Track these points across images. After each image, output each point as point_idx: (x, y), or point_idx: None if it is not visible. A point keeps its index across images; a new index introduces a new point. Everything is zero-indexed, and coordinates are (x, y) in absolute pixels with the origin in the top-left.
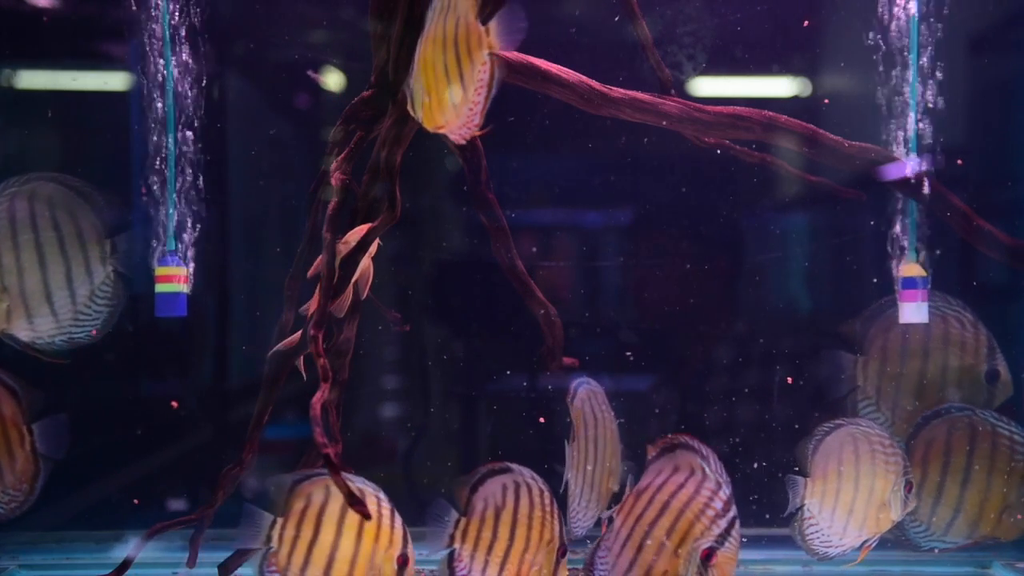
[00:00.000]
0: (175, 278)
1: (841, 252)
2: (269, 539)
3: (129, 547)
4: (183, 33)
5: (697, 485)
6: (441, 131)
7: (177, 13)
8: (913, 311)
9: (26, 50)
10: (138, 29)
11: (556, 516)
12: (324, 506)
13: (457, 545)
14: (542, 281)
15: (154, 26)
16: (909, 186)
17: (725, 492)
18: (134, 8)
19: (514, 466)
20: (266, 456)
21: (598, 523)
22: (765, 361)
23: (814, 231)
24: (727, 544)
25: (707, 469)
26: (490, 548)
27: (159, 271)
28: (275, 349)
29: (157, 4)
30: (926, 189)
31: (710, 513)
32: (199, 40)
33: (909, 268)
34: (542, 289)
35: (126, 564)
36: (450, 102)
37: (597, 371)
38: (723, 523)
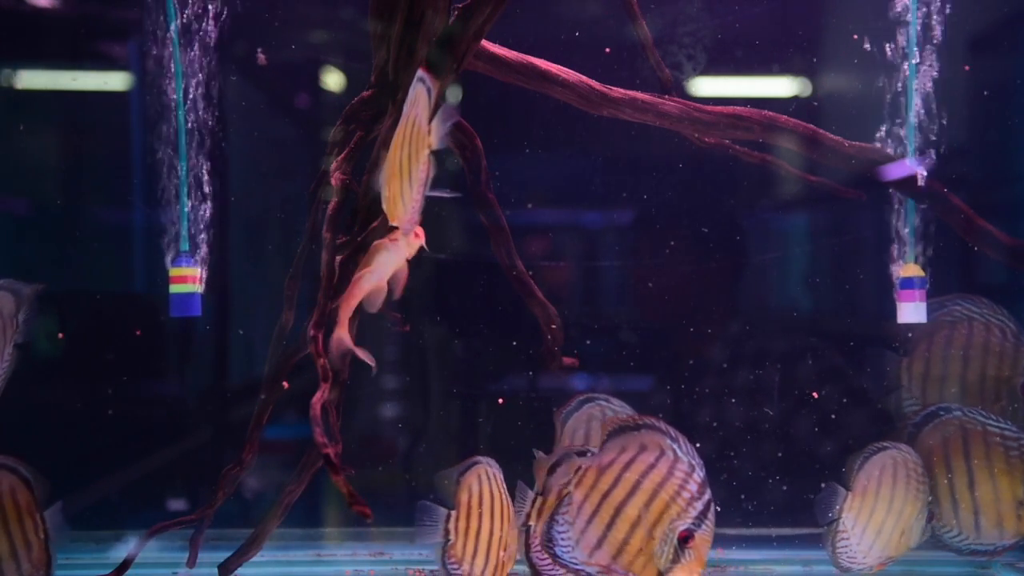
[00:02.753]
0: (189, 279)
1: (841, 252)
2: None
3: (129, 547)
4: (192, 34)
5: (669, 466)
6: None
7: (185, 15)
8: (911, 311)
9: (26, 50)
10: (144, 30)
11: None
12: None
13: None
14: (542, 281)
15: (163, 27)
16: (909, 186)
17: (699, 475)
18: (140, 9)
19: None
20: (266, 456)
21: None
22: (761, 360)
23: (814, 231)
24: (704, 526)
25: (678, 451)
26: (477, 536)
27: (173, 272)
28: (275, 349)
29: (164, 5)
30: (926, 189)
31: (685, 495)
32: (208, 41)
33: (907, 268)
34: (542, 289)
35: (126, 564)
36: (405, 198)
37: (599, 371)
38: (699, 505)
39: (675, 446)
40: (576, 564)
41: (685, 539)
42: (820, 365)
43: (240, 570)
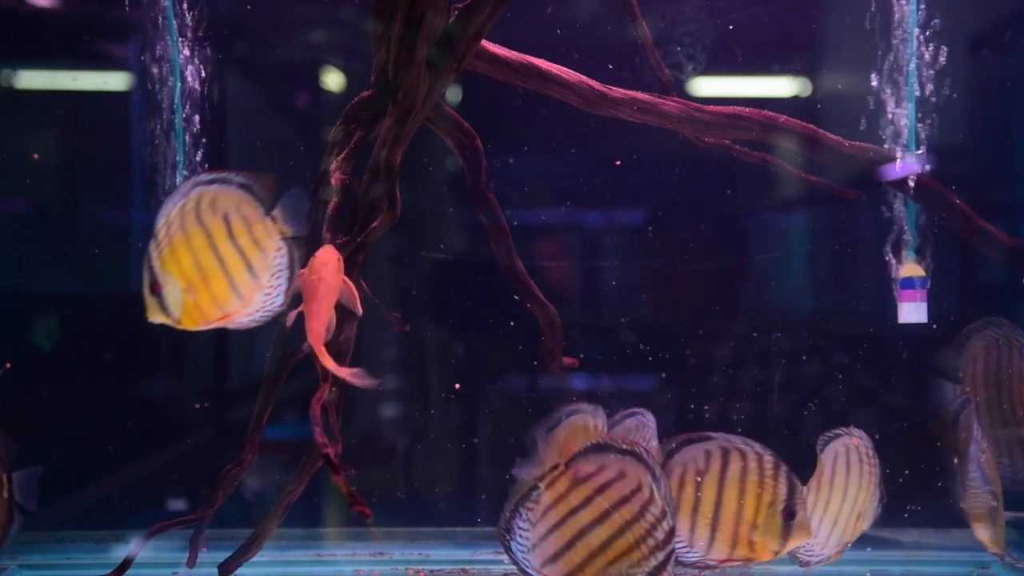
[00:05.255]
0: None
1: (840, 252)
2: None
3: (129, 547)
4: (190, 34)
5: (643, 505)
6: (214, 324)
7: (183, 14)
8: (912, 311)
9: (26, 50)
10: (143, 29)
11: (781, 479)
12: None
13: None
14: (541, 281)
15: (161, 26)
16: (908, 186)
17: (668, 523)
18: (140, 8)
19: (718, 434)
20: (266, 456)
21: None
22: (765, 360)
23: (814, 231)
24: None
25: (655, 491)
26: (695, 509)
27: None
28: (275, 349)
29: (163, 4)
30: (926, 189)
31: (651, 542)
32: (206, 40)
33: (908, 268)
34: (542, 289)
35: (126, 564)
36: (231, 294)
37: (599, 371)
38: (661, 556)
39: (654, 485)
40: (527, 567)
41: None
42: (828, 365)
43: (240, 570)
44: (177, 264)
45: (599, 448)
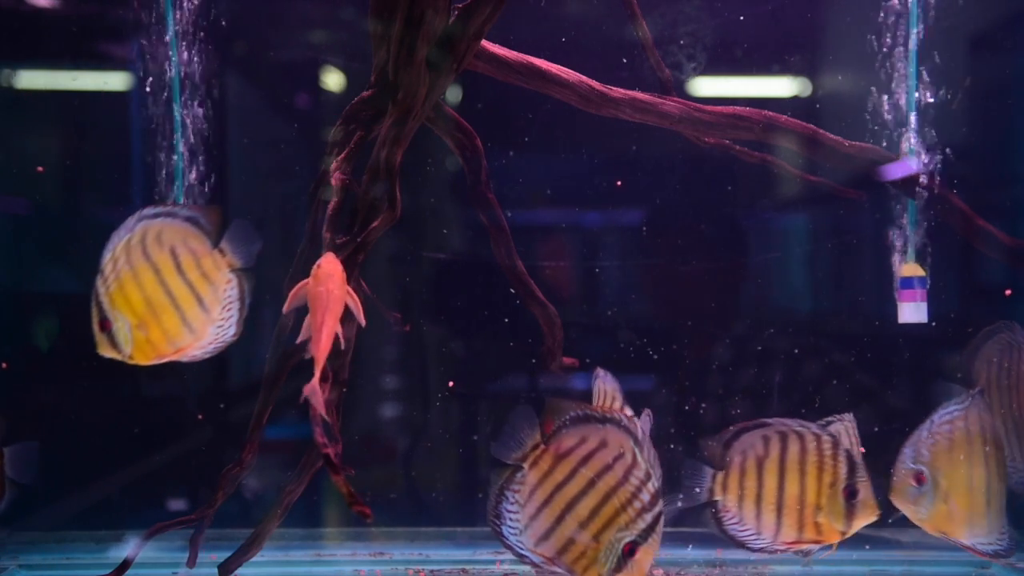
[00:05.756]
0: None
1: (840, 252)
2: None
3: (129, 547)
4: (190, 34)
5: (626, 470)
6: (167, 359)
7: (183, 14)
8: (912, 311)
9: (26, 50)
10: (143, 29)
11: (840, 459)
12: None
13: (719, 497)
14: (541, 281)
15: (161, 26)
16: (908, 186)
17: (654, 484)
18: (140, 8)
19: (773, 419)
20: (266, 456)
21: None
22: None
23: (814, 231)
24: (649, 540)
25: (638, 455)
26: (758, 496)
27: None
28: (275, 349)
29: (162, 4)
30: (926, 189)
31: (637, 505)
32: (205, 40)
33: (908, 268)
34: (541, 289)
35: (126, 564)
36: (183, 329)
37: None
38: (649, 517)
39: (636, 449)
40: (521, 550)
41: (630, 551)
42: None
43: (240, 570)
44: (126, 301)
45: (579, 420)
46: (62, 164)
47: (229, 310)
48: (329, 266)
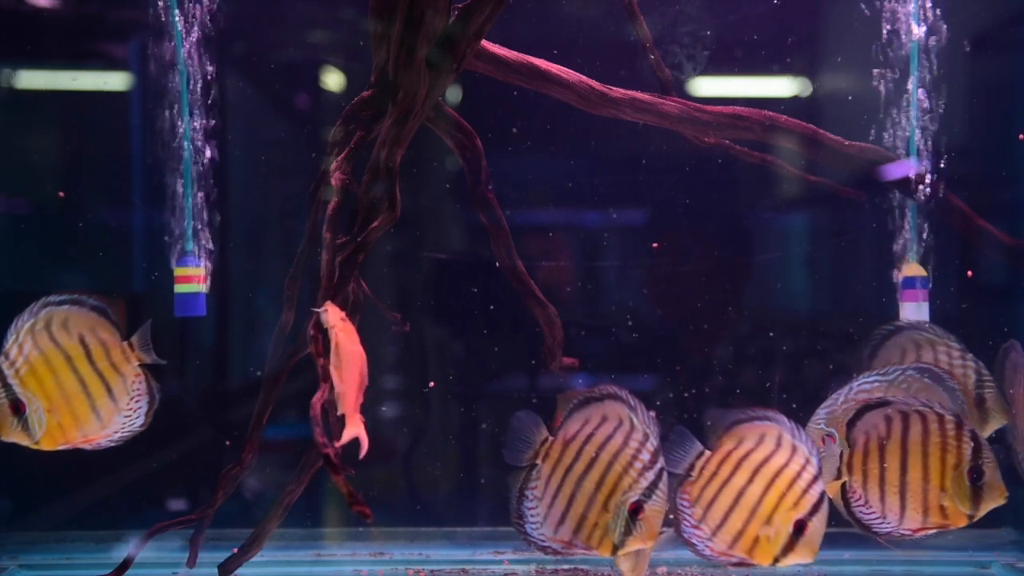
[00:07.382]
0: (194, 278)
1: (840, 253)
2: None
3: (129, 547)
4: (190, 34)
5: (625, 436)
6: (72, 445)
7: (183, 14)
8: (913, 311)
9: (26, 50)
10: (144, 29)
11: (965, 439)
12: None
13: (845, 478)
14: (541, 281)
15: (161, 27)
16: (909, 186)
17: (652, 443)
18: (140, 8)
19: (896, 398)
20: (266, 456)
21: None
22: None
23: (813, 230)
24: (654, 497)
25: (634, 419)
26: (882, 478)
27: (178, 272)
28: (275, 349)
29: (163, 4)
30: (926, 189)
31: (637, 465)
32: (206, 40)
33: (909, 268)
34: (541, 289)
35: (126, 564)
36: (92, 417)
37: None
38: (650, 475)
39: (632, 415)
40: (544, 542)
41: (635, 511)
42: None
43: (240, 570)
44: (39, 384)
45: (581, 404)
46: (62, 164)
47: (138, 401)
48: (341, 324)
